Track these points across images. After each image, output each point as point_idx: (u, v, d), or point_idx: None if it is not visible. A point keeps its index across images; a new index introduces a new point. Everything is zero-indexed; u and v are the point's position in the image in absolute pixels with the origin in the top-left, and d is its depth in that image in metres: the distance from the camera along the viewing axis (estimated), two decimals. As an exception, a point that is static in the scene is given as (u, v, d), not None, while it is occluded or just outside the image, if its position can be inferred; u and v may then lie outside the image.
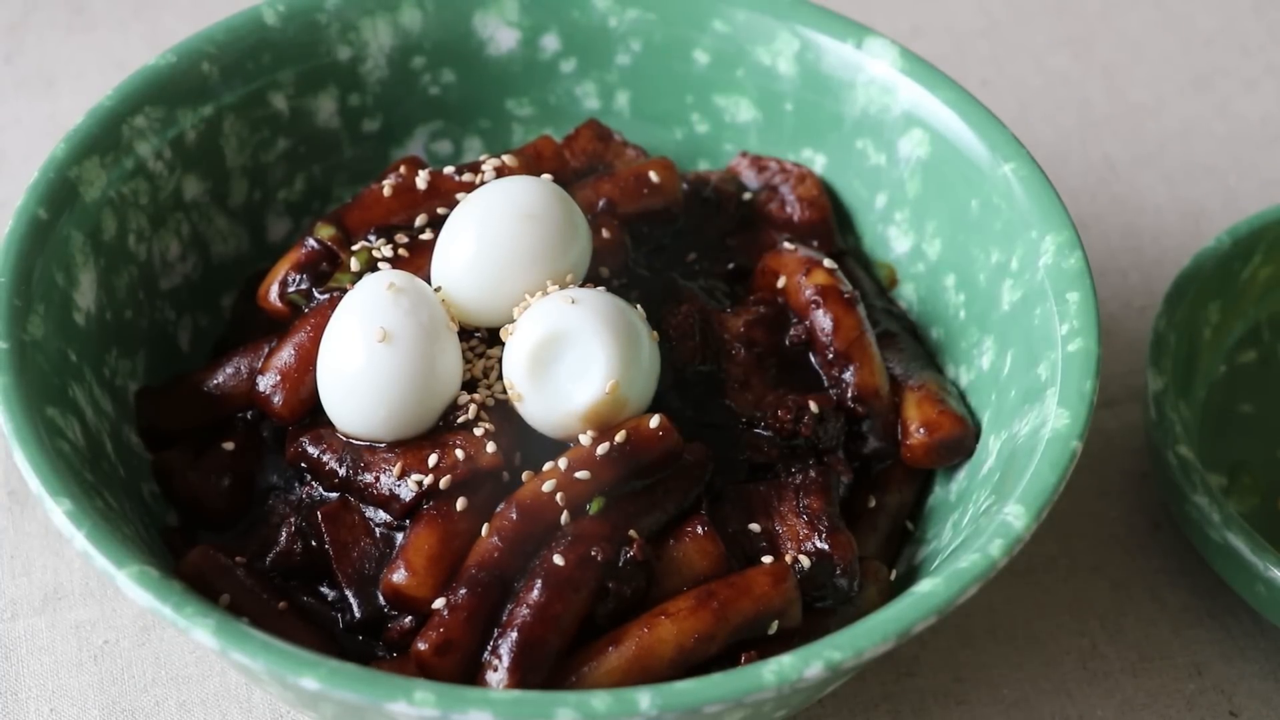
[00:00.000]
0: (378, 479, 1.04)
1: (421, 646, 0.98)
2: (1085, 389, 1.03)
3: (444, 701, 0.88)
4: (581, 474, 1.02)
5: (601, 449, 1.03)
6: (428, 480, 1.03)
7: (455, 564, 1.01)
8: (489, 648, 0.99)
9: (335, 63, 1.24)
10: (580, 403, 1.04)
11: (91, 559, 0.93)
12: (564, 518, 1.01)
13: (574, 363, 1.04)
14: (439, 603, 1.00)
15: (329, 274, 1.11)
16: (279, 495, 1.10)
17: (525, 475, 1.04)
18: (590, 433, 1.04)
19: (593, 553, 1.00)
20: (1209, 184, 1.49)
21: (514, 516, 1.01)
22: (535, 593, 0.99)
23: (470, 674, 0.99)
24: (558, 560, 1.00)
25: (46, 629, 1.17)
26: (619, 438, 1.03)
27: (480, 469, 1.03)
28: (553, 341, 1.04)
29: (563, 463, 1.03)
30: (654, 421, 1.04)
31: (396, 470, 1.04)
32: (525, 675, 0.98)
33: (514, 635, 0.98)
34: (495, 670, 0.98)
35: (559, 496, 1.02)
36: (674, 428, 1.04)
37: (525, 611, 0.99)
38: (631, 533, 1.02)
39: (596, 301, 1.05)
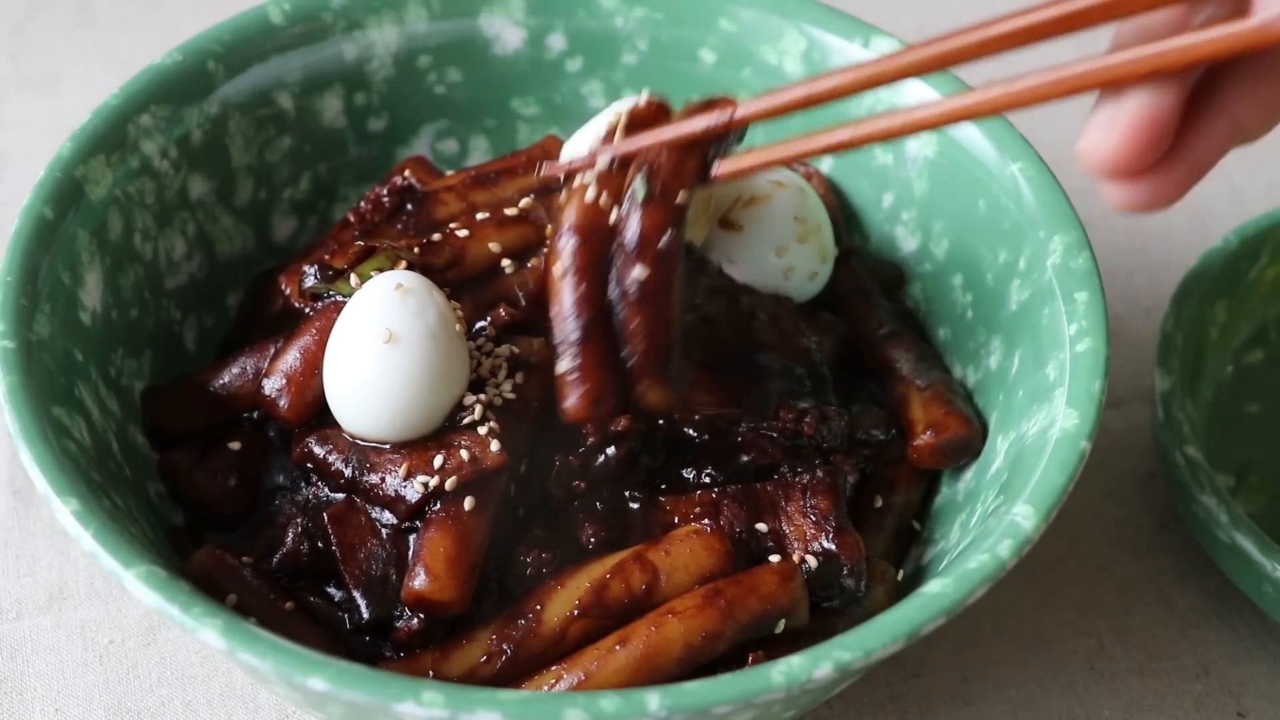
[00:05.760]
0: (383, 480, 1.04)
1: (569, 404, 0.99)
2: (1094, 389, 1.03)
3: (452, 702, 0.88)
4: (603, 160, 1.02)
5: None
6: (433, 482, 1.03)
7: (474, 562, 1.01)
8: (630, 376, 1.00)
9: (341, 62, 1.24)
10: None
11: (99, 558, 0.93)
12: (613, 216, 1.01)
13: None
14: (562, 364, 0.99)
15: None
16: (285, 495, 1.10)
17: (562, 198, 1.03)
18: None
19: (661, 245, 0.99)
20: (1215, 184, 1.48)
21: (576, 244, 1.00)
22: (638, 311, 0.99)
23: (623, 403, 1.00)
24: (638, 273, 0.99)
25: (52, 629, 1.17)
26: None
27: (485, 469, 1.03)
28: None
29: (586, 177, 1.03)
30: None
31: (402, 471, 1.03)
32: (672, 378, 1.00)
33: (642, 352, 0.99)
34: (653, 391, 1.00)
35: (603, 199, 1.01)
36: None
37: (636, 333, 0.99)
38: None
39: None
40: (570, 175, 1.04)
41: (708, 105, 1.03)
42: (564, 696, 0.89)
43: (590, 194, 1.01)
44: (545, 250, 1.12)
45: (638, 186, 1.00)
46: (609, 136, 1.04)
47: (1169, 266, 1.41)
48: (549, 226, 1.14)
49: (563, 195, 1.03)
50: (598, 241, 1.00)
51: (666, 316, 0.99)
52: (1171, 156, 0.88)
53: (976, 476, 1.11)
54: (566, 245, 1.00)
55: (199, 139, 1.19)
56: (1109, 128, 0.86)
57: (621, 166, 1.02)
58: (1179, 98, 0.86)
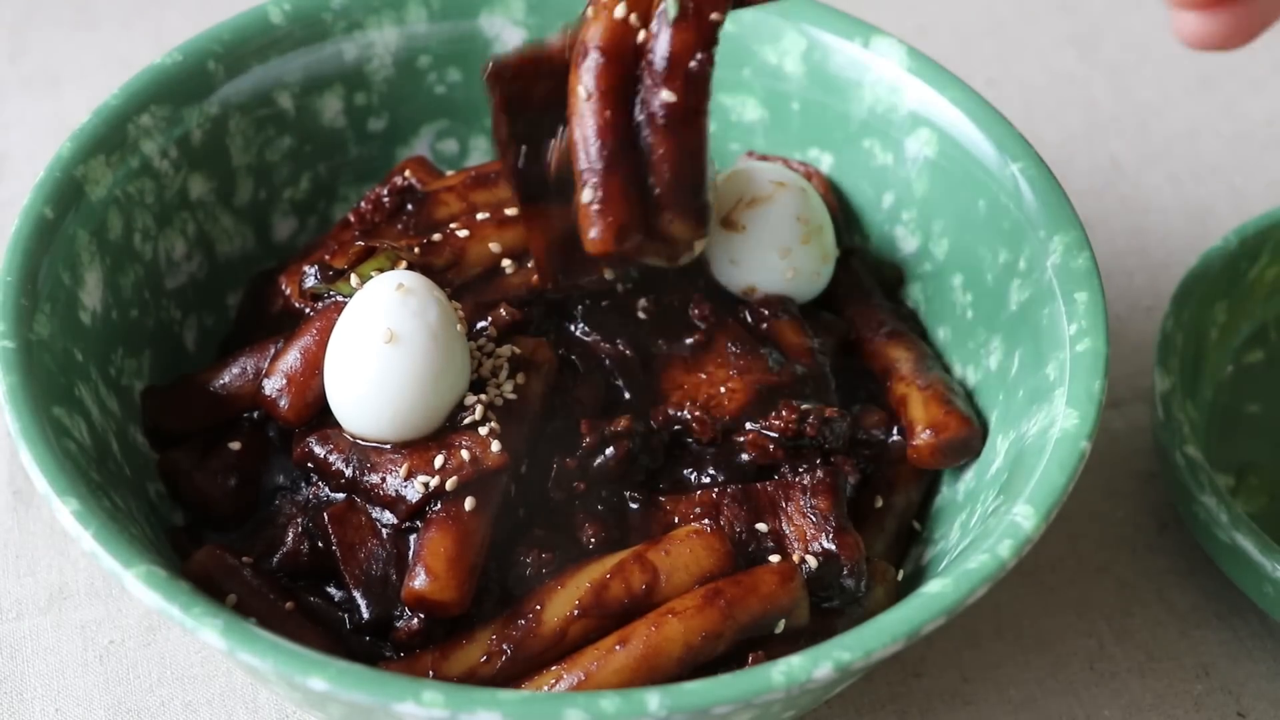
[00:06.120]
0: (384, 480, 1.04)
1: (593, 235, 0.97)
2: (1094, 389, 1.03)
3: (452, 702, 0.88)
4: None
5: None
6: (434, 482, 1.03)
7: (474, 562, 1.01)
8: (656, 209, 0.98)
9: (341, 62, 1.24)
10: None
11: (99, 559, 0.93)
12: (641, 36, 0.96)
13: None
14: (586, 194, 0.96)
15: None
16: (285, 495, 1.10)
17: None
18: None
19: (692, 66, 0.95)
20: (1215, 184, 1.48)
21: (601, 65, 0.96)
22: (665, 137, 0.96)
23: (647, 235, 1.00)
24: (666, 96, 0.95)
25: (52, 629, 1.17)
26: None
27: (487, 469, 1.03)
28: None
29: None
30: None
31: (403, 471, 1.03)
32: (699, 210, 0.98)
33: (669, 182, 0.97)
34: (679, 221, 0.98)
35: (632, 17, 0.97)
36: None
37: (663, 161, 0.97)
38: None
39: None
40: None
41: None
42: (564, 696, 0.89)
43: (619, 11, 0.96)
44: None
45: (669, 3, 0.96)
46: None
47: (1169, 266, 1.41)
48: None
49: (589, 11, 0.99)
50: (624, 62, 0.96)
51: (696, 145, 0.96)
52: None
53: (976, 476, 1.11)
54: (590, 65, 0.96)
55: (199, 139, 1.19)
56: None
57: None
58: None
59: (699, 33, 0.96)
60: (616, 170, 0.96)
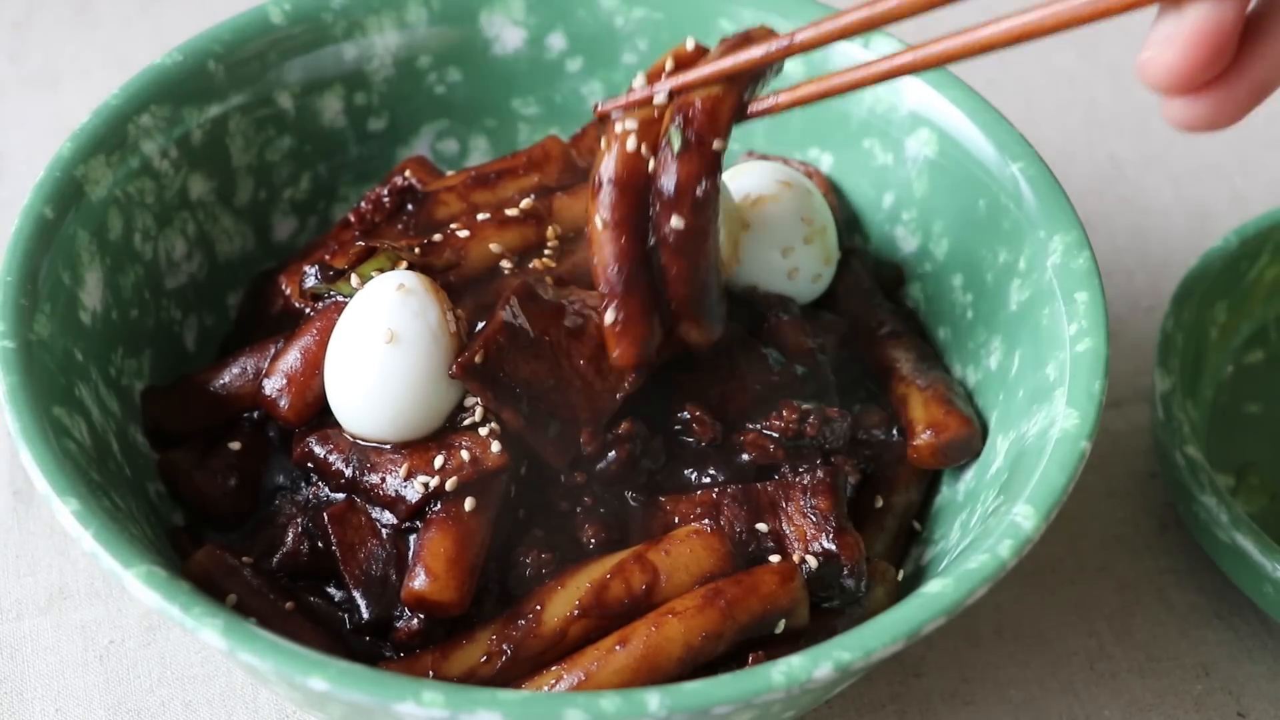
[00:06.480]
0: (384, 480, 1.04)
1: (618, 353, 1.04)
2: (1094, 389, 1.03)
3: (452, 702, 0.88)
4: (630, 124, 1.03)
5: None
6: (434, 482, 1.02)
7: (474, 563, 1.01)
8: (674, 319, 1.04)
9: (341, 62, 1.24)
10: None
11: (99, 559, 0.93)
12: (651, 164, 1.02)
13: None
14: (609, 316, 1.03)
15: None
16: (285, 495, 1.10)
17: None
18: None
19: (697, 193, 1.01)
20: (1215, 184, 1.48)
21: (615, 197, 1.02)
22: (676, 259, 1.02)
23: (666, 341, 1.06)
24: (675, 223, 1.01)
25: (52, 629, 1.17)
26: None
27: (487, 470, 1.03)
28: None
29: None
30: None
31: (403, 471, 1.03)
32: (711, 315, 1.05)
33: (683, 297, 1.03)
34: (695, 329, 1.05)
35: (643, 148, 1.02)
36: None
37: (677, 280, 1.03)
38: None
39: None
40: (605, 117, 1.05)
41: (745, 39, 1.04)
42: (564, 696, 0.88)
43: (631, 143, 1.02)
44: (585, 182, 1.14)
45: (673, 135, 1.01)
46: (655, 77, 1.05)
47: (1169, 266, 1.41)
48: (550, 228, 1.14)
49: (602, 141, 1.04)
50: (636, 192, 1.02)
51: (704, 261, 1.03)
52: (1233, 73, 0.88)
53: (976, 476, 1.11)
54: (606, 198, 1.02)
55: (199, 139, 1.19)
56: (1169, 40, 0.87)
57: (664, 113, 1.03)
58: (1239, 10, 0.86)
59: (702, 162, 1.02)
60: (634, 292, 1.03)
